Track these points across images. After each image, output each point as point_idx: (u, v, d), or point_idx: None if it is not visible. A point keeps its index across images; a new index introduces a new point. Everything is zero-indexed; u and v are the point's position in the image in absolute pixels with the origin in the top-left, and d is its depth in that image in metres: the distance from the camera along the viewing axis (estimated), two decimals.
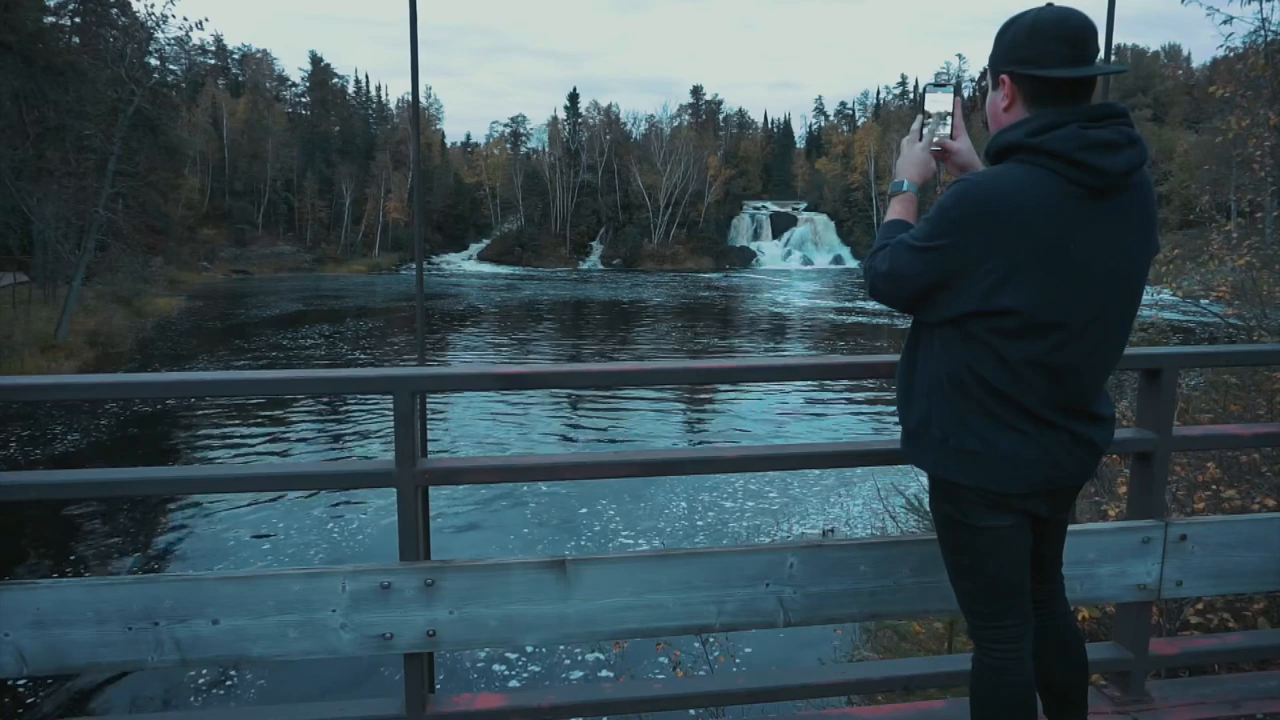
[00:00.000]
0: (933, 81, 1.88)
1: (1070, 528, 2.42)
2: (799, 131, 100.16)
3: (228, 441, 16.40)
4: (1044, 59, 1.61)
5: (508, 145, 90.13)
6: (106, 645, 2.01)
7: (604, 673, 7.63)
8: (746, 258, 78.28)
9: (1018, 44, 1.64)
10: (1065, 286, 1.63)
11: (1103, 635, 4.68)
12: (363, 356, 27.81)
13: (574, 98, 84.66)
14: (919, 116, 1.90)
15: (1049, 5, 1.64)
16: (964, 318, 1.68)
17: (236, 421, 17.74)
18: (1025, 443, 1.72)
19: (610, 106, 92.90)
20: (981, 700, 1.89)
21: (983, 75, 1.91)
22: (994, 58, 1.71)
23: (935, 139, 1.88)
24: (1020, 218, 1.59)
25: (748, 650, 7.51)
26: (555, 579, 2.15)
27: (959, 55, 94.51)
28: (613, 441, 16.85)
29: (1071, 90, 1.64)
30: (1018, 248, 1.61)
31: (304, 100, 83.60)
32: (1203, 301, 7.70)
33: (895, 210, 1.87)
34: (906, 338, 1.89)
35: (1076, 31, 1.60)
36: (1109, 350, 1.75)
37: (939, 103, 1.88)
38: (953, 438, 1.76)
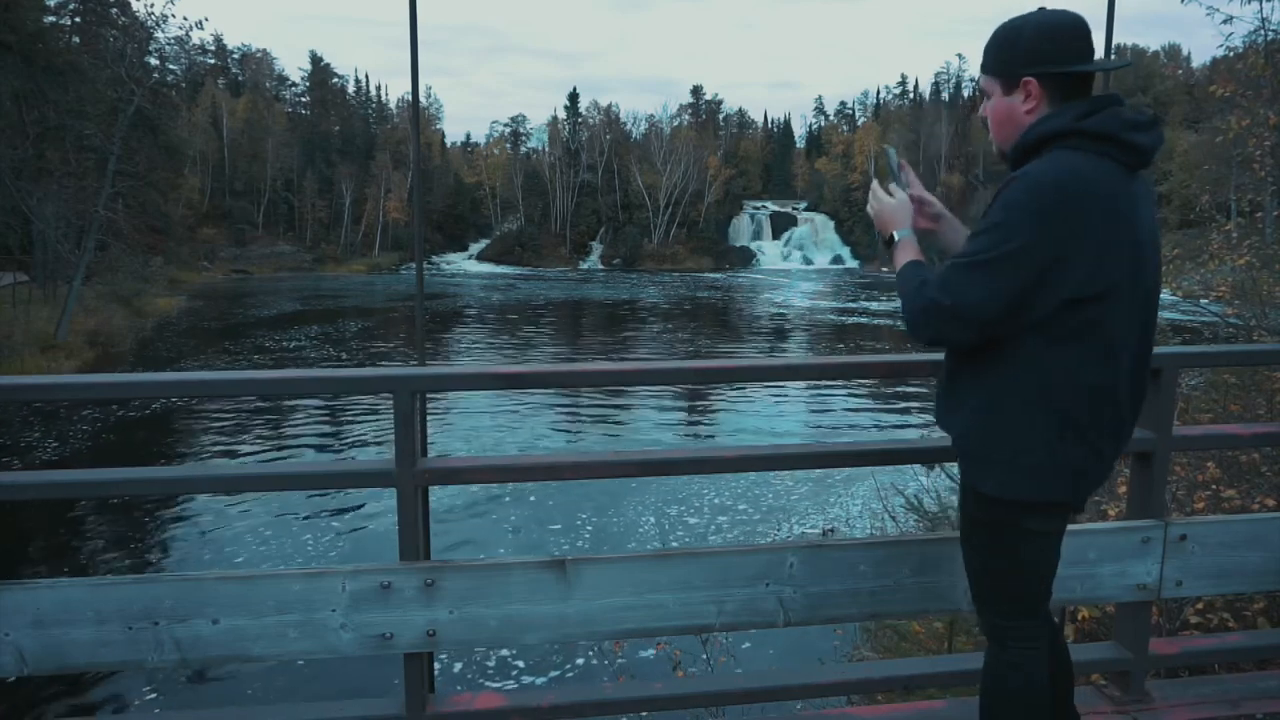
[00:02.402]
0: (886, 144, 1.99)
1: (1070, 527, 2.42)
2: (799, 131, 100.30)
3: (228, 441, 16.40)
4: (1068, 57, 1.68)
5: (508, 145, 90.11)
6: (106, 645, 2.01)
7: (605, 668, 7.63)
8: (746, 258, 78.28)
9: (1038, 47, 1.69)
10: (1136, 265, 1.69)
11: (1103, 635, 4.68)
12: (363, 356, 27.81)
13: (574, 98, 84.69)
14: (874, 180, 2.01)
15: (1042, 10, 1.71)
16: (1056, 314, 1.65)
17: (236, 421, 17.74)
18: (1091, 451, 1.75)
19: (610, 106, 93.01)
20: (1000, 698, 1.89)
21: (982, 69, 1.89)
22: (1008, 63, 1.73)
23: (908, 189, 1.98)
24: (1097, 199, 1.63)
25: (747, 650, 7.51)
26: (555, 579, 2.15)
27: (959, 55, 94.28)
28: (613, 440, 16.85)
29: (1090, 83, 1.75)
30: (1100, 229, 1.63)
31: (304, 100, 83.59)
32: (1203, 301, 7.70)
33: (906, 254, 1.86)
34: (954, 355, 1.84)
35: (1086, 30, 1.72)
36: (1154, 334, 1.83)
37: (890, 160, 2.02)
38: (1024, 454, 1.73)
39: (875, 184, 1.98)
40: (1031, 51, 1.70)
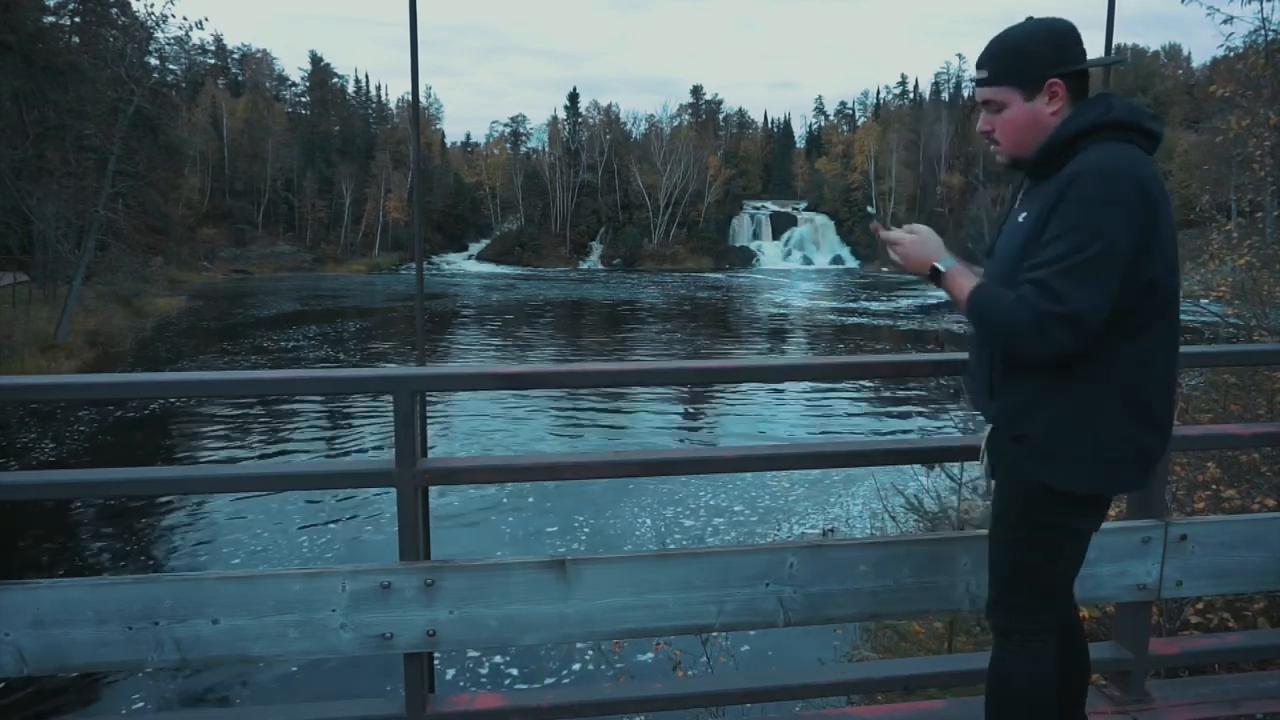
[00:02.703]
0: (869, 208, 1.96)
1: None
2: (799, 131, 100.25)
3: (228, 441, 16.40)
4: (1081, 56, 1.76)
5: (508, 145, 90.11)
6: (106, 645, 2.01)
7: (605, 670, 7.63)
8: (746, 258, 78.28)
9: (1060, 49, 1.73)
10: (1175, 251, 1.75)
11: (1103, 635, 4.68)
12: (363, 356, 27.81)
13: (574, 98, 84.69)
14: (880, 234, 1.98)
15: (1034, 18, 1.76)
16: (1137, 304, 1.69)
17: (236, 421, 17.74)
18: (1161, 439, 1.81)
19: (610, 106, 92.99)
20: (1012, 692, 1.90)
21: (992, 81, 1.88)
22: (1030, 69, 1.74)
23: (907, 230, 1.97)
24: (1157, 184, 1.68)
25: (747, 650, 7.51)
26: (555, 579, 2.15)
27: (959, 55, 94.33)
28: (613, 440, 16.85)
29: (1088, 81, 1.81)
30: (1165, 214, 1.68)
31: (304, 100, 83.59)
32: (1203, 301, 7.70)
33: (965, 279, 1.81)
34: (1013, 355, 1.78)
35: (1078, 31, 1.78)
36: None
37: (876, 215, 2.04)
38: (1107, 448, 1.76)
39: (884, 234, 1.95)
40: (1055, 53, 1.73)
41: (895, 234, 1.91)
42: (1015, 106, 1.77)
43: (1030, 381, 1.77)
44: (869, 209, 2.12)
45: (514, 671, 7.88)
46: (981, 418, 2.00)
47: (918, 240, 1.90)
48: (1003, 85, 1.76)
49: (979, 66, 1.81)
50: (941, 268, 1.84)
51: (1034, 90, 1.74)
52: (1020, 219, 1.79)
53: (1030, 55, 1.74)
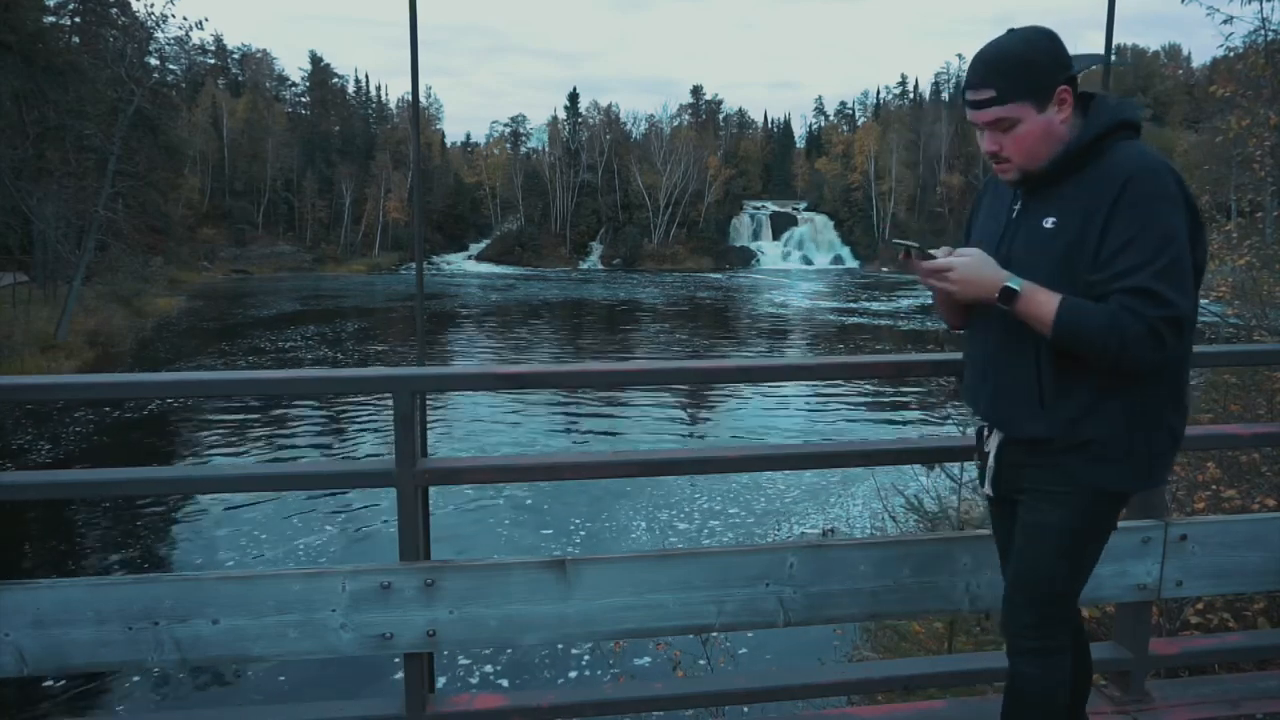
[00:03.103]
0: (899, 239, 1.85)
1: None
2: (799, 131, 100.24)
3: (228, 441, 16.40)
4: (1070, 59, 1.74)
5: (508, 145, 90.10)
6: (106, 645, 2.01)
7: (604, 673, 7.63)
8: (746, 258, 78.28)
9: (1061, 55, 1.71)
10: None
11: (1103, 635, 4.68)
12: (362, 357, 27.81)
13: (574, 98, 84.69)
14: (918, 264, 1.83)
15: (1016, 30, 1.73)
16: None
17: (236, 421, 17.73)
18: (1184, 421, 1.83)
19: (610, 106, 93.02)
20: (1036, 699, 1.86)
21: (1002, 100, 1.81)
22: (1040, 80, 1.68)
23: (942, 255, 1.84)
24: (1182, 177, 1.71)
25: (747, 650, 7.51)
26: (555, 579, 2.15)
27: (959, 55, 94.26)
28: (612, 440, 16.85)
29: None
30: (1195, 207, 1.71)
31: (304, 100, 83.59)
32: (1203, 301, 7.69)
33: (1045, 295, 1.68)
34: (1063, 359, 1.72)
35: None
36: None
37: (908, 246, 1.85)
38: (1157, 444, 1.77)
39: (927, 265, 1.80)
40: (1057, 60, 1.70)
41: (942, 260, 1.78)
42: (1030, 121, 1.70)
43: (1086, 387, 1.73)
44: (903, 241, 1.84)
45: (514, 671, 7.89)
46: (987, 427, 1.92)
47: (972, 263, 1.76)
48: (1015, 102, 1.69)
49: (978, 86, 1.70)
50: (1016, 287, 1.69)
51: (1046, 101, 1.69)
52: (1048, 224, 1.72)
53: (1037, 66, 1.69)
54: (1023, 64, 1.68)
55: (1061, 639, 1.87)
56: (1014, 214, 1.82)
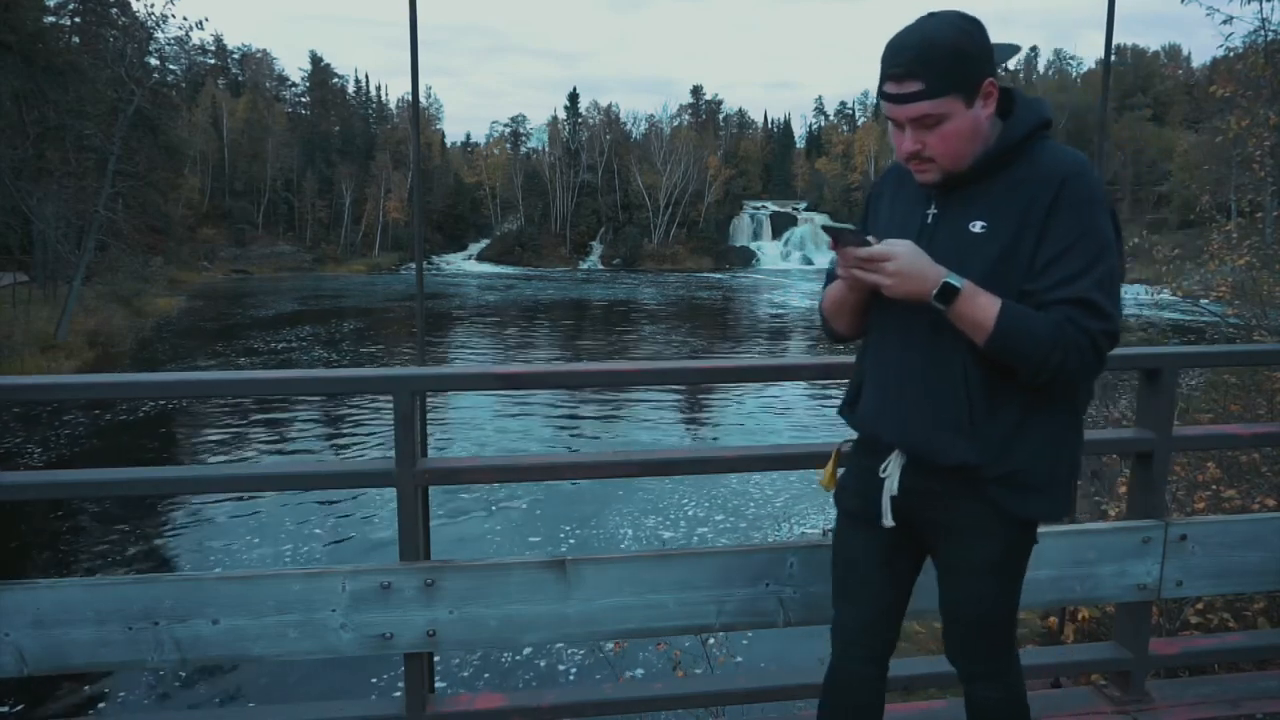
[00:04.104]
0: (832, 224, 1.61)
1: (1070, 528, 2.43)
2: (799, 131, 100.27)
3: (228, 441, 16.40)
4: (994, 54, 1.61)
5: (508, 145, 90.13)
6: (106, 645, 2.01)
7: (604, 673, 7.63)
8: (746, 258, 78.28)
9: (987, 46, 1.56)
10: None
11: (1103, 635, 4.68)
12: (363, 356, 27.80)
13: (574, 98, 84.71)
14: (853, 252, 1.60)
15: (935, 14, 1.55)
16: None
17: (236, 421, 17.73)
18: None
19: (610, 106, 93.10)
20: (1011, 715, 1.81)
21: (931, 94, 1.65)
22: (971, 73, 1.52)
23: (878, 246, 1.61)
24: None
25: (747, 650, 7.51)
26: (555, 579, 2.15)
27: None
28: (612, 440, 16.84)
29: None
30: (1114, 211, 1.65)
31: (304, 100, 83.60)
32: (1203, 301, 7.70)
33: (986, 298, 1.54)
34: (996, 381, 1.59)
35: None
36: None
37: (840, 232, 1.63)
38: (1074, 471, 1.69)
39: (861, 253, 1.58)
40: (986, 52, 1.55)
41: (881, 248, 1.57)
42: (959, 117, 1.53)
43: (1014, 406, 1.60)
44: (839, 225, 1.63)
45: (514, 671, 7.88)
46: (886, 459, 1.72)
47: (911, 254, 1.56)
48: (944, 96, 1.51)
49: (903, 79, 1.51)
50: (957, 284, 1.53)
51: (974, 95, 1.53)
52: (976, 228, 1.57)
53: (967, 56, 1.51)
54: (952, 54, 1.50)
55: (1013, 652, 1.81)
56: (929, 218, 1.64)
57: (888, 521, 1.71)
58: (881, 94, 1.56)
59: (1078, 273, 1.52)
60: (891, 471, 1.70)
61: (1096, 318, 1.51)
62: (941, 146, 1.55)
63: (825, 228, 1.60)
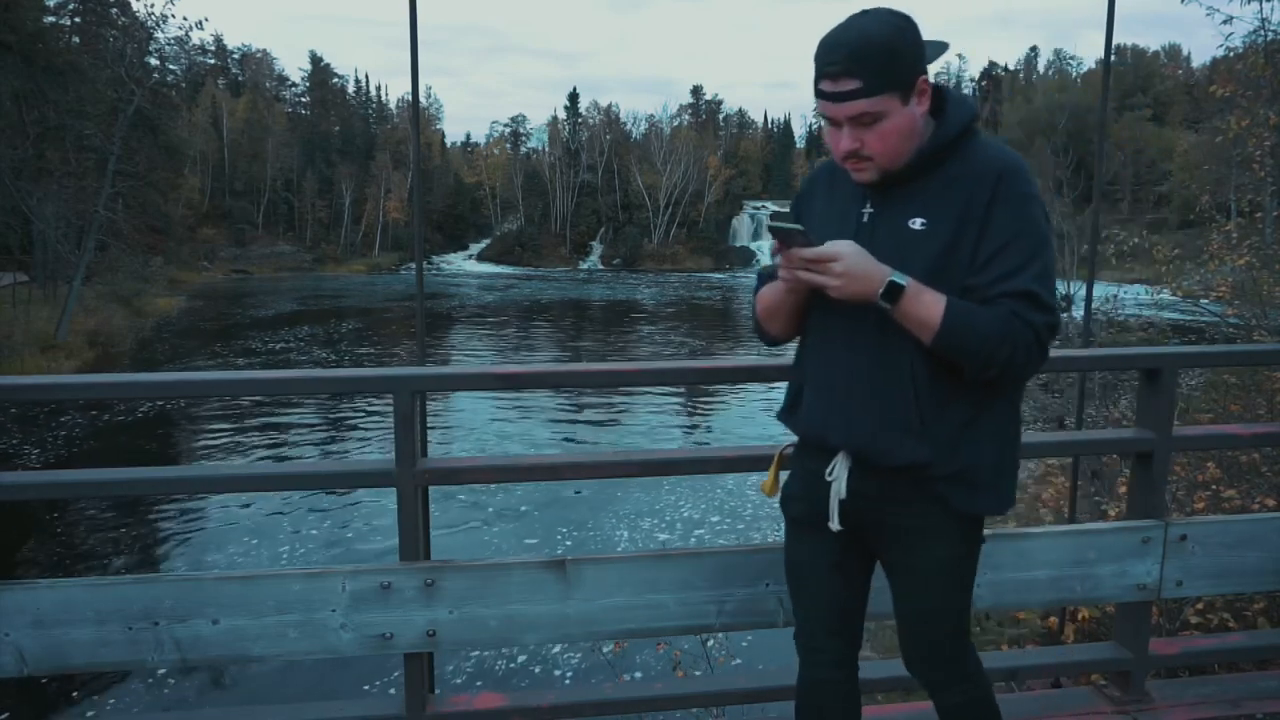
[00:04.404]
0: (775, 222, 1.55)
1: (1070, 528, 2.43)
2: (799, 131, 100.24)
3: (228, 441, 16.40)
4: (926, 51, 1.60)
5: (508, 145, 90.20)
6: (106, 645, 2.01)
7: (602, 674, 7.63)
8: (746, 258, 78.27)
9: (920, 43, 1.55)
10: None
11: (1103, 635, 4.68)
12: (363, 356, 27.81)
13: (574, 98, 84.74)
14: (798, 253, 1.55)
15: (868, 11, 1.54)
16: None
17: (236, 421, 17.73)
18: None
19: (610, 106, 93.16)
20: (983, 714, 1.81)
21: (869, 92, 1.47)
22: (907, 70, 1.51)
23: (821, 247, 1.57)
24: None
25: (747, 650, 7.51)
26: (555, 579, 2.15)
27: (959, 55, 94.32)
28: (612, 440, 16.85)
29: None
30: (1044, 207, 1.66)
31: (304, 100, 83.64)
32: (1203, 301, 7.70)
33: (930, 295, 1.53)
34: (946, 380, 1.59)
35: None
36: None
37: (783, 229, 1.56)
38: (1015, 460, 1.70)
39: (803, 253, 1.54)
40: (919, 48, 1.54)
41: (828, 248, 1.53)
42: (896, 114, 1.52)
43: (962, 404, 1.60)
44: (786, 225, 1.55)
45: (513, 671, 7.89)
46: (836, 464, 1.69)
47: (857, 253, 1.53)
48: (882, 94, 1.50)
49: (840, 77, 1.49)
50: (903, 282, 1.52)
51: (910, 92, 1.53)
52: (916, 225, 1.57)
53: (902, 54, 1.51)
54: (888, 52, 1.49)
55: (972, 653, 1.78)
56: (865, 216, 1.63)
57: (835, 525, 1.69)
58: (818, 92, 1.55)
59: (1019, 266, 1.52)
60: (838, 474, 1.68)
61: (1039, 310, 1.51)
62: (879, 145, 1.54)
63: (773, 228, 1.55)
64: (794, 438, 1.86)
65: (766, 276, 1.81)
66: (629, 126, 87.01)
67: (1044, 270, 1.54)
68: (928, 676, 1.77)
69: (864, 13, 1.52)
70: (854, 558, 1.78)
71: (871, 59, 1.48)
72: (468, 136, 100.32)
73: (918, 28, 1.54)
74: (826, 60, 1.51)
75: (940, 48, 1.64)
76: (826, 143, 1.62)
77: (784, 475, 1.89)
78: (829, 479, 1.69)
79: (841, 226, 1.63)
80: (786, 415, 1.82)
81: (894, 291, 1.51)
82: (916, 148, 1.57)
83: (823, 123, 1.61)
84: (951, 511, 1.64)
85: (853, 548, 1.76)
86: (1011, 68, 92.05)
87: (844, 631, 1.82)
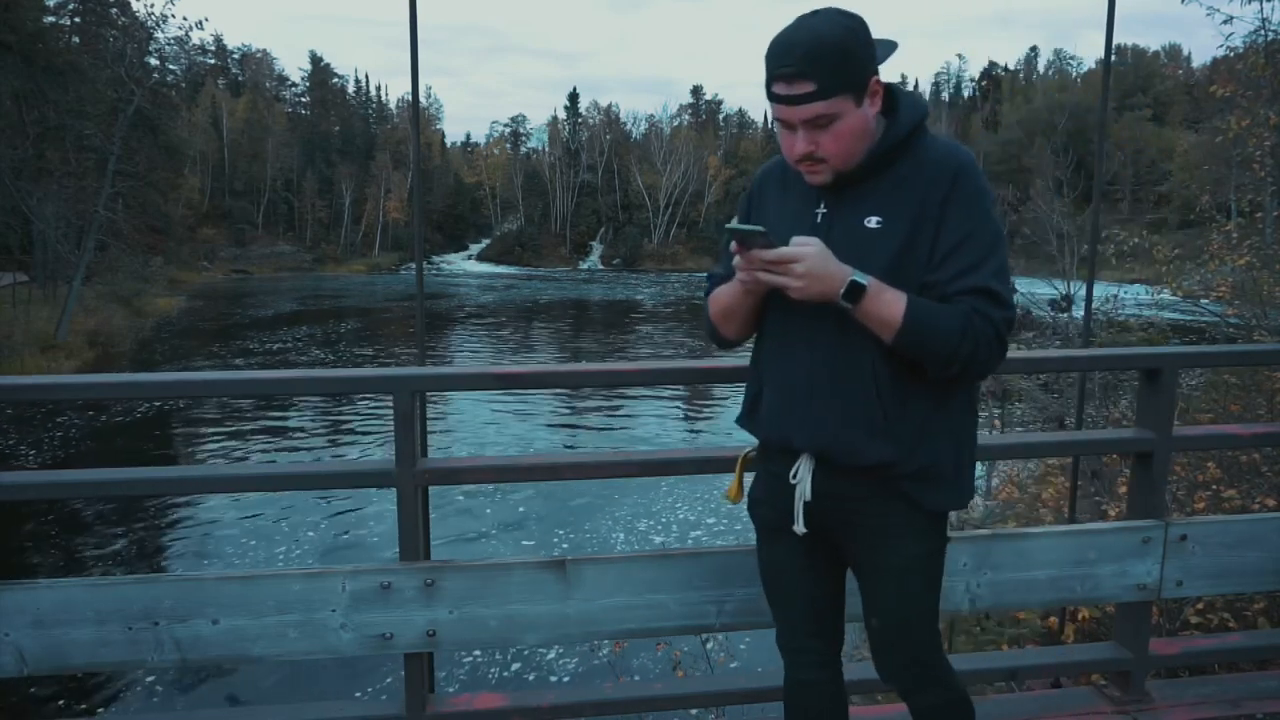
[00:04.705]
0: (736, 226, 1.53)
1: (1071, 528, 2.43)
2: None
3: (228, 441, 16.40)
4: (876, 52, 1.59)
5: (508, 145, 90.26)
6: (106, 645, 2.01)
7: (602, 674, 7.63)
8: None
9: (871, 44, 1.54)
10: None
11: (1103, 635, 4.68)
12: (363, 356, 27.81)
13: (574, 98, 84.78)
14: (759, 255, 1.52)
15: (820, 11, 1.52)
16: None
17: (236, 421, 17.73)
18: None
19: (610, 106, 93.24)
20: (959, 714, 1.79)
21: (824, 94, 1.45)
22: (860, 71, 1.50)
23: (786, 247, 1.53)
24: None
25: (747, 650, 7.51)
26: (555, 579, 2.15)
27: (959, 55, 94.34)
28: (612, 440, 16.85)
29: None
30: None
31: (304, 100, 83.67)
32: (1203, 301, 7.70)
33: (891, 294, 1.51)
34: (907, 379, 1.58)
35: None
36: None
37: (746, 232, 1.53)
38: (972, 455, 1.70)
39: (764, 254, 1.51)
40: (871, 49, 1.53)
41: (791, 249, 1.50)
42: (850, 116, 1.52)
43: (924, 400, 1.60)
44: (746, 226, 1.53)
45: (514, 671, 7.89)
46: (800, 467, 1.67)
47: (819, 253, 1.51)
48: (836, 96, 1.49)
49: (795, 79, 1.48)
50: (864, 282, 1.50)
51: (863, 93, 1.52)
52: (872, 224, 1.56)
53: (855, 56, 1.50)
54: (841, 53, 1.48)
55: (942, 653, 1.76)
56: (819, 216, 1.62)
57: (799, 528, 1.68)
58: (771, 95, 1.53)
59: (976, 263, 1.53)
60: (803, 476, 1.66)
61: (999, 306, 1.51)
62: (835, 146, 1.53)
63: (731, 229, 1.52)
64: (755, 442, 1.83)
65: (719, 278, 1.79)
66: (629, 126, 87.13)
67: (1000, 266, 1.54)
68: (900, 679, 1.75)
69: (815, 13, 1.51)
70: (823, 559, 1.76)
71: (825, 61, 1.47)
72: (468, 136, 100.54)
73: (868, 28, 1.53)
74: (780, 63, 1.49)
75: (890, 47, 1.63)
76: (780, 144, 1.61)
77: (749, 480, 1.85)
78: (793, 481, 1.68)
79: (796, 226, 1.61)
80: (746, 419, 1.79)
81: (855, 291, 1.49)
82: (869, 147, 1.57)
83: (775, 125, 1.60)
84: (916, 508, 1.63)
85: (820, 548, 1.74)
86: (1011, 68, 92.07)
87: (823, 632, 1.81)
